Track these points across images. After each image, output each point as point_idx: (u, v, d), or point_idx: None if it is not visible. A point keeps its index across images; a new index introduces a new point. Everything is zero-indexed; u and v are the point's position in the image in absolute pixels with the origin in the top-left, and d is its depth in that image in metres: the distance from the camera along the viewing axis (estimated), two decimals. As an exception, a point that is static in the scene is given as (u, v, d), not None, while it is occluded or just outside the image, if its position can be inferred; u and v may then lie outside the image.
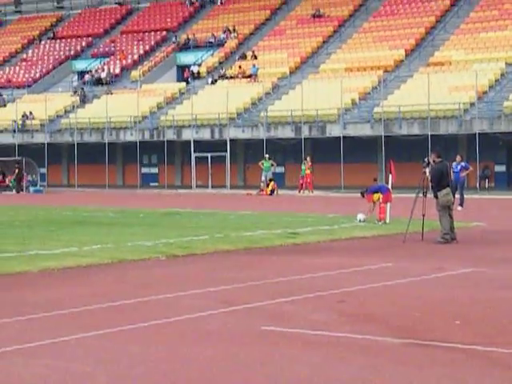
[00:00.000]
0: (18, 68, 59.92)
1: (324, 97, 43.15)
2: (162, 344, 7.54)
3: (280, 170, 43.88)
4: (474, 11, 48.62)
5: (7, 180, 46.12)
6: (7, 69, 60.22)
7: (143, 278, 11.83)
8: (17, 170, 44.64)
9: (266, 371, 6.61)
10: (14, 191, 44.09)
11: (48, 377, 6.48)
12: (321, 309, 9.18)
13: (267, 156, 40.31)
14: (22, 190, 44.04)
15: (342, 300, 9.70)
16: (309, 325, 8.29)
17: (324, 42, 51.27)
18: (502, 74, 42.21)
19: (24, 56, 61.47)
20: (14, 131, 50.04)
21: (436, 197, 16.73)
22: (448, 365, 6.75)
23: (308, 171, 38.80)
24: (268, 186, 38.31)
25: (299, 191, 38.86)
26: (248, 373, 6.57)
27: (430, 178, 16.96)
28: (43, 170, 48.71)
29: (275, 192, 37.97)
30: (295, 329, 8.10)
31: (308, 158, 39.32)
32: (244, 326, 8.31)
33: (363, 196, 21.04)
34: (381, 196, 20.21)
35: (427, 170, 17.11)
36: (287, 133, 42.94)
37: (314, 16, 53.83)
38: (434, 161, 17.02)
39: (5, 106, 54.37)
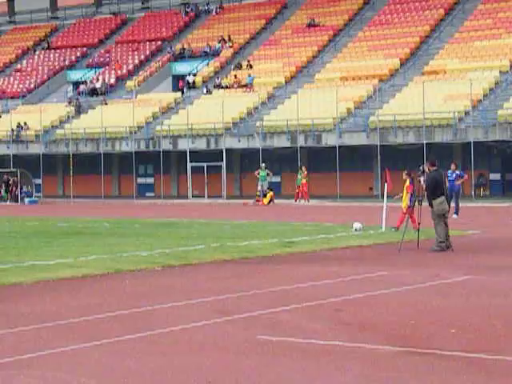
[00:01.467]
0: (12, 78, 59.90)
1: (319, 106, 43.23)
2: (158, 354, 7.53)
3: (276, 179, 43.91)
4: (468, 20, 48.80)
5: (2, 191, 46.09)
6: (1, 79, 60.21)
7: (139, 289, 11.81)
8: (10, 181, 44.61)
9: (262, 380, 6.60)
10: (7, 202, 44.06)
11: (44, 388, 6.47)
12: (317, 317, 9.18)
13: (263, 165, 40.34)
14: (17, 201, 44.00)
15: (339, 309, 9.70)
16: (305, 334, 8.29)
17: (319, 51, 51.39)
18: (497, 83, 42.34)
19: (18, 66, 61.48)
20: (10, 141, 49.99)
21: (431, 205, 16.75)
22: (444, 373, 6.76)
23: (304, 180, 38.82)
24: (266, 195, 38.33)
25: (295, 200, 38.88)
26: (245, 382, 6.56)
27: (424, 186, 16.98)
28: (38, 181, 48.67)
29: (272, 201, 38.01)
30: (292, 338, 8.09)
31: (304, 168, 39.35)
32: (240, 335, 8.31)
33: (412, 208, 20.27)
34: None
35: (422, 179, 17.13)
36: (283, 142, 42.98)
37: (309, 25, 53.97)
38: (428, 169, 17.04)
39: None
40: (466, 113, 39.87)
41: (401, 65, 46.92)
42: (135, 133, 47.44)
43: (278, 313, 9.50)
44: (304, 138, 42.43)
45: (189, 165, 44.83)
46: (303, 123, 42.28)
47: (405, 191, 20.35)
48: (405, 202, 20.09)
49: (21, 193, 44.73)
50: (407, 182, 20.40)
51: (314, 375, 6.73)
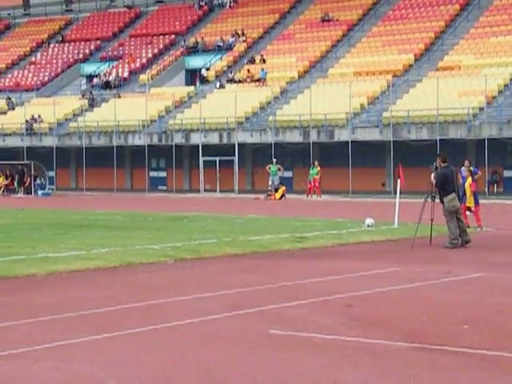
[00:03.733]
0: (26, 71, 60.07)
1: (332, 101, 43.14)
2: (169, 347, 7.54)
3: (288, 174, 43.86)
4: (483, 16, 48.56)
5: (14, 183, 46.28)
6: (16, 72, 60.39)
7: (151, 282, 11.83)
8: (24, 173, 44.82)
9: (274, 374, 6.60)
10: (20, 194, 44.26)
11: (56, 379, 6.49)
12: (329, 313, 9.16)
13: (274, 160, 40.31)
14: (30, 193, 44.18)
15: (350, 304, 9.68)
16: (317, 328, 8.28)
17: (333, 46, 51.27)
18: None
19: (33, 59, 61.64)
20: (24, 134, 50.12)
21: (442, 202, 16.68)
22: (457, 369, 6.73)
23: (316, 176, 38.78)
24: (277, 190, 38.30)
25: (307, 195, 38.83)
26: (256, 376, 6.56)
27: (434, 182, 16.89)
28: (52, 174, 48.82)
29: (284, 196, 37.99)
30: (303, 332, 8.08)
31: (316, 163, 39.30)
32: (252, 329, 8.30)
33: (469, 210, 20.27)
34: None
35: (433, 175, 17.05)
36: (295, 137, 42.93)
37: (322, 20, 53.85)
38: (439, 165, 16.96)
39: (13, 109, 54.51)
40: (481, 109, 39.70)
41: (415, 60, 46.75)
42: (148, 126, 47.49)
43: (289, 307, 9.49)
44: (317, 133, 42.37)
45: (201, 159, 44.85)
46: (316, 118, 42.21)
47: (469, 190, 20.05)
48: (472, 202, 19.95)
49: (34, 185, 44.87)
50: (469, 180, 20.17)
51: (326, 370, 6.72)
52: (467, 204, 19.98)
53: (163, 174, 49.55)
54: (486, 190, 38.24)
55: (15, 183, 46.11)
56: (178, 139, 45.88)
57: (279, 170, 39.95)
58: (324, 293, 10.49)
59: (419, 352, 7.31)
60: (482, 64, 43.72)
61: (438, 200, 17.09)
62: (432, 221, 16.85)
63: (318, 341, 7.76)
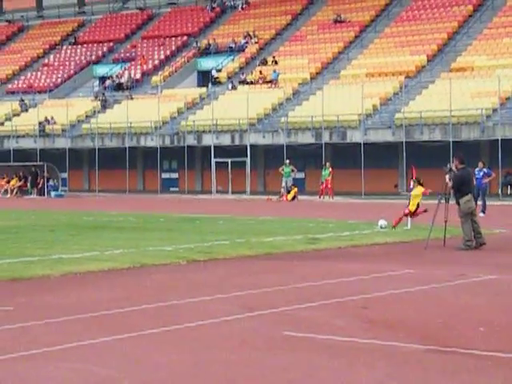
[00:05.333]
0: (39, 73, 60.28)
1: (345, 102, 43.07)
2: (184, 348, 7.53)
3: (300, 175, 43.82)
4: (496, 16, 48.39)
5: (28, 185, 46.47)
6: (29, 74, 60.61)
7: (165, 283, 11.83)
8: (38, 174, 45.01)
9: (288, 377, 6.58)
10: (33, 195, 44.44)
11: (71, 380, 6.49)
12: (343, 315, 9.14)
13: (288, 161, 40.27)
14: (43, 195, 44.33)
15: (365, 306, 9.65)
16: (331, 331, 8.26)
17: (345, 47, 51.21)
18: (525, 80, 41.96)
19: (46, 61, 61.85)
20: (37, 135, 50.26)
21: (458, 203, 16.61)
22: (472, 372, 6.70)
23: (328, 177, 38.73)
24: (290, 192, 38.26)
25: (320, 197, 38.79)
26: (271, 378, 6.54)
27: (450, 184, 16.82)
28: (64, 175, 48.95)
29: (296, 198, 37.96)
30: (317, 334, 8.06)
31: (328, 164, 39.25)
32: (266, 331, 8.29)
33: None
34: None
35: (447, 177, 16.97)
36: (307, 138, 42.90)
37: (335, 21, 53.79)
38: (456, 167, 16.87)
39: (26, 111, 54.70)
40: (494, 110, 39.54)
41: (428, 61, 46.63)
42: (160, 128, 47.56)
43: (303, 309, 9.47)
44: (329, 135, 42.32)
45: (213, 160, 44.87)
46: (328, 119, 42.16)
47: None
48: None
49: (47, 186, 45.02)
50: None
51: (340, 372, 6.70)
52: None
53: (175, 175, 49.60)
54: (500, 191, 38.09)
55: (28, 184, 46.27)
56: (190, 141, 45.93)
57: (292, 171, 39.91)
58: (337, 294, 10.46)
59: (434, 354, 7.28)
60: (495, 65, 43.56)
61: (452, 201, 17.00)
62: (446, 222, 16.78)
63: (333, 343, 7.73)
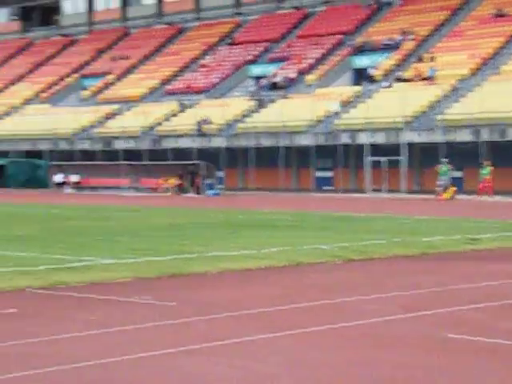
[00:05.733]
0: (197, 74, 61.81)
1: (505, 99, 41.59)
2: (344, 347, 7.47)
3: (458, 174, 42.71)
4: None
5: (186, 183, 47.79)
6: (187, 74, 62.26)
7: (321, 281, 11.82)
8: (196, 173, 46.28)
9: (450, 381, 6.38)
10: (191, 193, 45.70)
11: (231, 375, 6.57)
12: (508, 317, 8.79)
13: (446, 160, 39.35)
14: (201, 193, 45.47)
15: (530, 310, 9.26)
16: (497, 334, 7.95)
17: (506, 42, 49.45)
18: None
19: (203, 62, 63.33)
20: (195, 135, 51.56)
21: None
22: None
23: (487, 176, 37.56)
24: (447, 190, 37.39)
25: (478, 195, 37.68)
26: (429, 380, 6.37)
27: None
28: (220, 174, 49.95)
29: (454, 196, 37.08)
30: (481, 337, 7.78)
31: (487, 162, 38.05)
32: (428, 332, 8.09)
33: None
34: None
35: None
36: (465, 136, 41.75)
37: (495, 16, 52.08)
38: None
39: (184, 111, 56.22)
40: None
41: None
42: (314, 126, 47.65)
43: (465, 311, 9.19)
44: (488, 132, 41.01)
45: (368, 159, 44.50)
46: (487, 117, 40.85)
47: None
48: None
49: (204, 185, 46.12)
50: None
51: (504, 377, 6.43)
52: None
53: (329, 173, 49.52)
54: None
55: (186, 183, 47.56)
56: (345, 139, 45.74)
57: (449, 170, 38.97)
58: (501, 296, 10.09)
59: None
60: None
61: None
62: None
63: (497, 346, 7.45)
